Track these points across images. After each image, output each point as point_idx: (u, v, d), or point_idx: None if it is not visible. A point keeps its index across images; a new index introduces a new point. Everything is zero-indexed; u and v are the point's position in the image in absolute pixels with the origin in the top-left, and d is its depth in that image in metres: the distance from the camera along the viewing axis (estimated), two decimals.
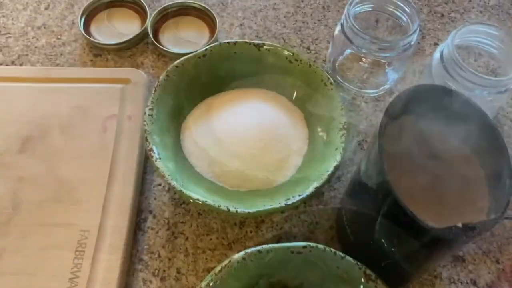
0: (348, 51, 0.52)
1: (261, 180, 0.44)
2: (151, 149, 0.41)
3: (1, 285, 0.38)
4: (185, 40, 0.55)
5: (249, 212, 0.39)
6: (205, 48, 0.47)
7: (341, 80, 0.53)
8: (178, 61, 0.47)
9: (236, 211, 0.39)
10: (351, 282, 0.37)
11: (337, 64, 0.54)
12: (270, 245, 0.37)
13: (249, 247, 0.43)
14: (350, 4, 0.47)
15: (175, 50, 0.54)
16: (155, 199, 0.45)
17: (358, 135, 0.50)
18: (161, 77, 0.45)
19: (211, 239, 0.43)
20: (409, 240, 0.32)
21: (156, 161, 0.41)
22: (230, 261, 0.36)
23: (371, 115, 0.51)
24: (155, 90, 0.45)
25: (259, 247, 0.37)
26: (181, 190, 0.39)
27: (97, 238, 0.40)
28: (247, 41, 0.48)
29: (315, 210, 0.45)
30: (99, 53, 0.54)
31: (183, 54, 0.53)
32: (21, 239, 0.40)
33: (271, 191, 0.43)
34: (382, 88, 0.52)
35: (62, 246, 0.39)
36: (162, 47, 0.53)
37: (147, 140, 0.42)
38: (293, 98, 0.48)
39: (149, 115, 0.43)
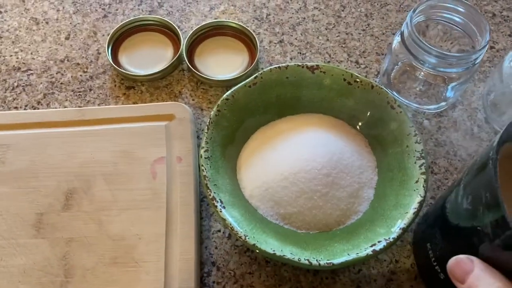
0: (402, 62, 0.47)
1: (333, 220, 0.40)
2: (213, 198, 0.37)
3: None
4: (223, 63, 0.51)
5: (333, 264, 0.35)
6: (255, 75, 0.43)
7: (397, 96, 0.49)
8: (228, 93, 0.42)
9: (319, 264, 0.35)
10: None
11: (391, 78, 0.49)
12: None
13: None
14: (414, 11, 0.43)
15: (216, 76, 0.49)
16: (216, 248, 0.41)
17: (428, 162, 0.46)
18: (212, 113, 0.41)
19: None
20: None
21: (220, 211, 0.36)
22: None
23: (436, 133, 0.47)
24: (208, 128, 0.40)
25: None
26: (254, 244, 0.35)
27: None
28: (299, 64, 0.44)
29: (393, 247, 0.41)
30: (131, 85, 0.49)
31: (224, 80, 0.49)
32: None
33: (346, 231, 0.39)
34: (444, 103, 0.48)
35: None
36: (200, 74, 0.49)
37: (207, 187, 0.37)
38: (355, 123, 0.44)
39: (205, 157, 0.39)
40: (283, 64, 0.44)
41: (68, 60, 0.51)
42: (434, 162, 0.45)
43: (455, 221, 0.33)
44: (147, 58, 0.50)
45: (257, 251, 0.35)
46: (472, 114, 0.48)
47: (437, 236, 0.37)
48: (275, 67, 0.44)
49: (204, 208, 0.43)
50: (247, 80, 0.43)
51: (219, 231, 0.42)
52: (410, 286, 0.39)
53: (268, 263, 0.40)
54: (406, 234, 0.42)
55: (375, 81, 0.50)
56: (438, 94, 0.48)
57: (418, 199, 0.37)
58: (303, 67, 0.44)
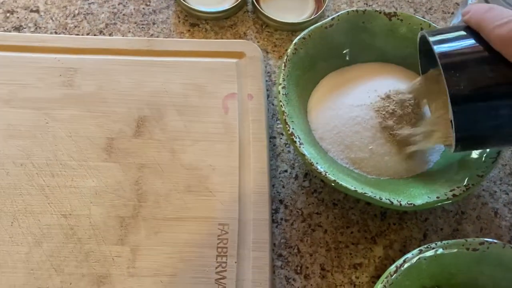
0: None
1: (404, 168, 0.39)
2: (292, 134, 0.37)
3: None
4: (289, 7, 0.49)
5: (414, 205, 0.35)
6: (332, 17, 0.42)
7: None
8: (304, 32, 0.41)
9: (400, 204, 0.35)
10: None
11: None
12: (444, 242, 0.33)
13: (395, 241, 0.39)
14: None
15: (282, 19, 0.48)
16: (283, 187, 0.41)
17: None
18: (289, 51, 0.40)
19: (352, 232, 0.39)
20: None
21: (300, 147, 0.36)
22: (404, 261, 0.32)
23: None
24: (284, 66, 0.39)
25: (432, 244, 0.33)
26: (334, 180, 0.35)
27: (239, 233, 0.36)
28: (377, 9, 0.43)
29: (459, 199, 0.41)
30: (195, 22, 0.48)
31: (292, 24, 0.48)
32: (154, 236, 0.35)
33: (418, 179, 0.39)
34: None
35: (202, 242, 0.35)
36: (267, 15, 0.47)
37: (286, 123, 0.37)
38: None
39: (283, 94, 0.38)
40: (361, 8, 0.43)
41: None
42: None
43: None
44: None
45: (337, 187, 0.35)
46: None
47: None
48: (353, 10, 0.43)
49: (271, 148, 0.42)
50: (324, 21, 0.42)
51: (286, 171, 0.41)
52: (476, 237, 0.39)
53: (336, 205, 0.40)
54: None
55: None
56: None
57: (496, 149, 0.37)
58: (380, 12, 0.43)
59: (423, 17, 0.51)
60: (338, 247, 0.38)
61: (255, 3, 0.48)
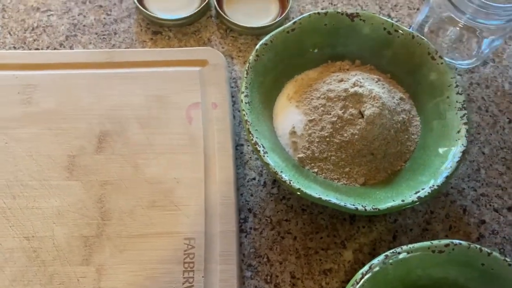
0: (437, 15, 0.46)
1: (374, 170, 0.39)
2: (256, 143, 0.36)
3: None
4: (253, 11, 0.49)
5: (379, 210, 0.35)
6: (294, 21, 0.42)
7: None
8: (266, 38, 0.41)
9: (365, 210, 0.35)
10: (498, 280, 0.34)
11: (424, 32, 0.48)
12: (410, 246, 0.33)
13: (364, 244, 0.39)
14: None
15: (246, 23, 0.47)
16: (251, 195, 0.40)
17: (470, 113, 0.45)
18: (251, 58, 0.40)
19: (321, 238, 0.39)
20: None
21: (263, 156, 0.36)
22: (370, 267, 0.32)
23: (468, 89, 0.47)
24: (247, 73, 0.39)
25: (397, 249, 0.33)
26: (299, 188, 0.35)
27: (205, 246, 0.35)
28: (339, 11, 0.42)
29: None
30: (158, 30, 0.47)
31: (256, 28, 0.47)
32: (119, 254, 0.35)
33: (385, 183, 0.39)
34: (475, 58, 0.48)
35: (168, 258, 0.35)
36: (231, 21, 0.47)
37: (250, 132, 0.36)
38: (393, 74, 0.43)
39: (245, 102, 0.38)
40: (323, 10, 0.42)
41: (90, 2, 0.49)
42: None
43: None
44: (175, 2, 0.48)
45: (302, 196, 0.35)
46: (504, 72, 0.48)
47: None
48: (314, 13, 0.42)
49: (238, 156, 0.42)
50: (285, 25, 0.42)
51: (254, 179, 0.41)
52: (445, 236, 0.39)
53: (305, 211, 0.40)
54: None
55: None
56: (471, 50, 0.48)
57: (461, 148, 0.37)
58: (342, 14, 0.42)
59: (388, 15, 0.51)
60: (307, 254, 0.38)
61: (218, 8, 0.47)
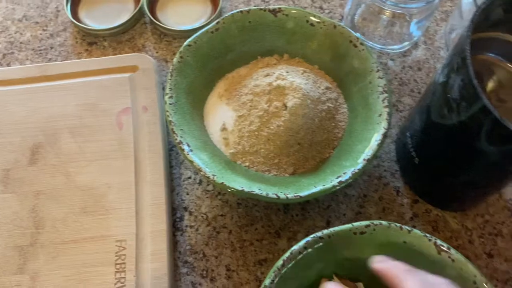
0: (365, 4, 0.47)
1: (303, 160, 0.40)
2: (180, 142, 0.37)
3: None
4: (186, 14, 0.50)
5: (301, 197, 0.35)
6: (217, 21, 0.43)
7: (362, 38, 0.49)
8: (190, 39, 0.42)
9: (287, 198, 0.35)
10: (421, 256, 0.34)
11: (355, 21, 0.49)
12: (331, 229, 0.34)
13: (298, 232, 0.40)
14: None
15: (178, 27, 0.48)
16: (187, 194, 0.41)
17: (392, 96, 0.46)
18: (175, 60, 0.40)
19: (256, 229, 0.40)
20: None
21: (188, 154, 0.37)
22: (291, 253, 0.33)
23: (400, 73, 0.48)
24: (171, 75, 0.40)
25: (319, 233, 0.34)
26: (222, 183, 0.36)
27: (136, 247, 0.36)
28: (261, 7, 0.43)
29: (361, 182, 0.42)
30: (93, 40, 0.49)
31: (188, 30, 0.48)
32: (52, 260, 0.36)
33: (312, 171, 0.40)
34: (407, 42, 0.49)
35: (100, 261, 0.35)
36: (163, 25, 0.48)
37: (174, 132, 0.37)
38: (320, 64, 0.44)
39: (170, 103, 0.39)
40: (245, 8, 0.43)
41: (26, 20, 0.50)
42: (399, 100, 0.46)
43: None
44: (108, 13, 0.49)
45: (226, 189, 0.36)
46: (435, 53, 0.49)
47: (416, 129, 0.38)
48: (237, 12, 0.43)
49: (174, 156, 0.43)
50: (209, 26, 0.42)
51: (190, 177, 0.42)
52: (379, 218, 0.40)
53: (240, 205, 0.41)
54: (374, 169, 0.43)
55: None
56: (401, 34, 0.49)
57: (382, 131, 0.38)
58: (265, 10, 0.43)
59: (320, 7, 0.52)
60: (243, 246, 0.39)
61: (150, 14, 0.48)
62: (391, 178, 0.42)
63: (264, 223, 0.40)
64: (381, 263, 0.30)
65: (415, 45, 0.49)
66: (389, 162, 0.43)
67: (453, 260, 0.33)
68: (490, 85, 0.35)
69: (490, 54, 0.35)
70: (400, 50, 0.49)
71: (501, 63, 0.35)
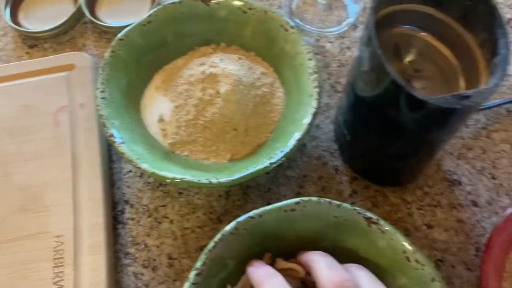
0: None
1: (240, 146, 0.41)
2: (111, 135, 0.37)
3: None
4: (126, 11, 0.50)
5: (232, 180, 0.36)
6: (149, 13, 0.43)
7: (301, 23, 0.49)
8: (121, 33, 0.42)
9: (219, 182, 0.36)
10: (352, 229, 0.35)
11: (293, 7, 0.50)
12: (261, 209, 0.35)
13: (239, 216, 0.40)
14: None
15: (117, 24, 0.49)
16: (128, 187, 0.42)
17: (330, 78, 0.47)
18: (106, 55, 0.41)
19: (198, 217, 0.40)
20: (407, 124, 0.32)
21: (119, 146, 0.37)
22: (222, 235, 0.34)
23: (339, 55, 0.48)
24: (103, 70, 0.40)
25: (250, 214, 0.34)
26: (153, 172, 0.36)
27: (74, 241, 0.36)
28: None
29: (300, 163, 0.42)
30: (34, 43, 0.49)
31: (126, 26, 0.48)
32: None
33: (250, 156, 0.40)
34: (344, 23, 0.49)
35: (39, 258, 0.36)
36: (102, 23, 0.48)
37: (104, 125, 0.38)
38: (255, 50, 0.45)
39: (101, 98, 0.39)
40: (177, 0, 0.44)
41: None
42: (338, 82, 0.47)
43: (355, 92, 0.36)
44: (49, 14, 0.50)
45: (158, 178, 0.36)
46: None
47: (345, 106, 0.39)
48: (169, 3, 0.43)
49: (114, 151, 0.43)
50: (141, 19, 0.43)
51: (130, 171, 0.42)
52: (318, 196, 0.41)
53: (181, 194, 0.41)
54: (313, 150, 0.43)
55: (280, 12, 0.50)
56: (340, 17, 0.49)
57: (311, 111, 0.38)
58: (197, 0, 0.44)
59: None
60: (184, 234, 0.39)
61: (88, 13, 0.48)
62: (330, 157, 0.43)
63: (205, 210, 0.40)
64: (252, 267, 0.32)
65: (354, 26, 0.50)
66: (328, 142, 0.43)
67: (383, 232, 0.34)
68: (409, 56, 0.35)
69: (408, 26, 0.36)
70: (338, 32, 0.49)
71: (418, 34, 0.35)
